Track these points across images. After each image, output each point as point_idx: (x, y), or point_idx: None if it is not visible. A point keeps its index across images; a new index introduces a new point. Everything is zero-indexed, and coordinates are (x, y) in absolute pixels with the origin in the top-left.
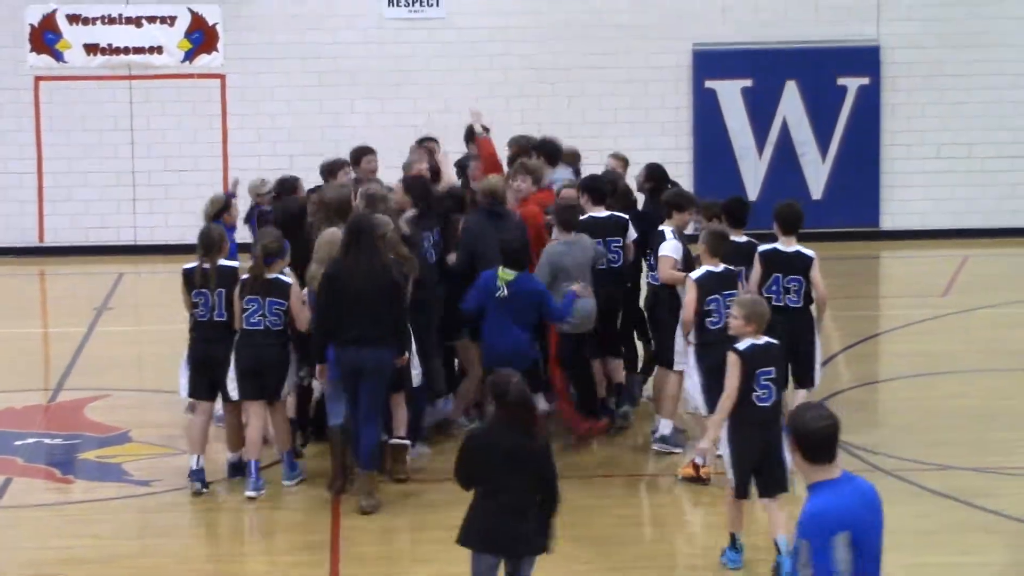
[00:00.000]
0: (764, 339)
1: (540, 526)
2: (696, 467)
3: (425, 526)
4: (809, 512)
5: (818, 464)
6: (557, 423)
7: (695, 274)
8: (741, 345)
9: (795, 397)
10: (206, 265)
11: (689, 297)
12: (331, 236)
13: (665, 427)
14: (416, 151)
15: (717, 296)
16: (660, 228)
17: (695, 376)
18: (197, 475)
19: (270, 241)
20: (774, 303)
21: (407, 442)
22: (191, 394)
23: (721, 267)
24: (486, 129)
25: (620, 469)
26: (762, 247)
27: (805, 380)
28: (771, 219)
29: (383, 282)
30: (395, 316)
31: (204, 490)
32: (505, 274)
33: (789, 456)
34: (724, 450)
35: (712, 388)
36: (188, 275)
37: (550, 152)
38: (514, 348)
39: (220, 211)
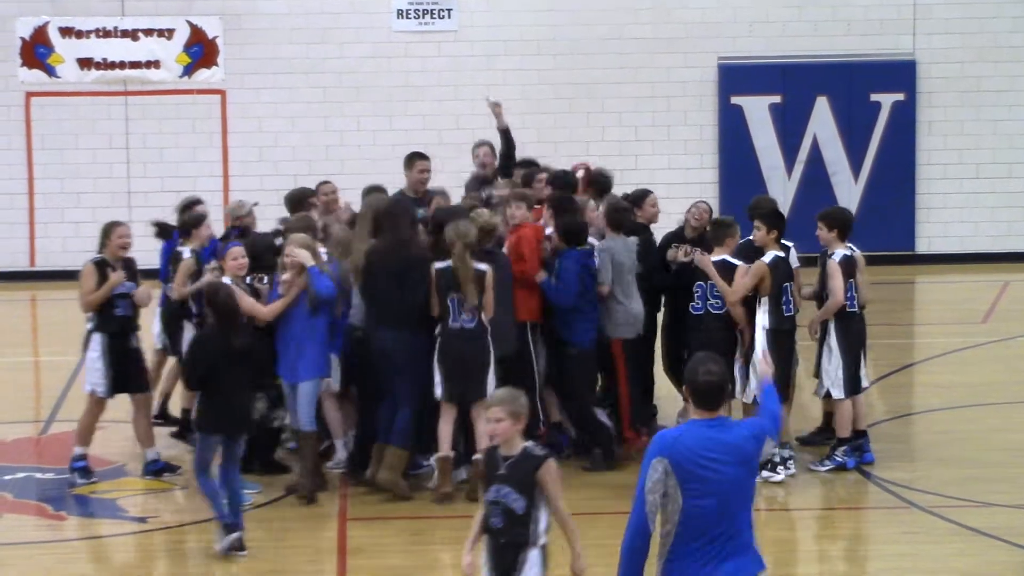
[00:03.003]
0: None
1: (252, 410)
2: None
3: (437, 566)
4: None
5: (700, 410)
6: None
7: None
8: None
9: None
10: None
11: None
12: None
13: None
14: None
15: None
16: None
17: None
18: (75, 463)
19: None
20: (849, 309)
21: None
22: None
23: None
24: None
25: None
26: (838, 256)
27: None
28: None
29: (414, 264)
30: (424, 298)
31: (82, 481)
32: None
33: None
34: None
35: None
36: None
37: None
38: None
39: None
